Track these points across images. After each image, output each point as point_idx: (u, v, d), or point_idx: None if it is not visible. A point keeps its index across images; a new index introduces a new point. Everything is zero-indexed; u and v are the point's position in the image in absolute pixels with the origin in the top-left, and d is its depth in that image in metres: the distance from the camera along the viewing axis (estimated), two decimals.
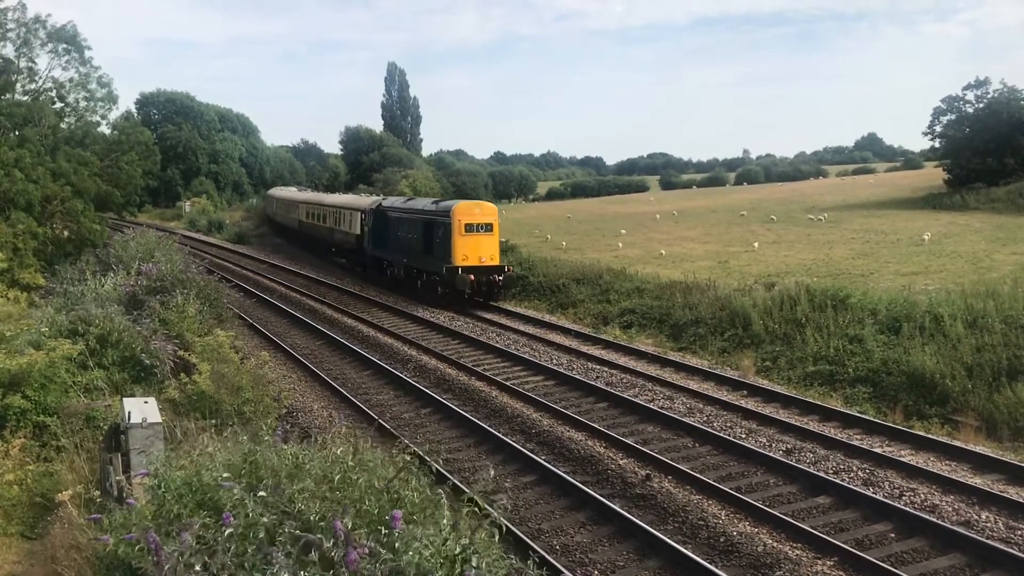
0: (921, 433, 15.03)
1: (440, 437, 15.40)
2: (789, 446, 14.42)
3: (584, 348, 22.95)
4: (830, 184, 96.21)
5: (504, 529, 5.63)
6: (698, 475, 12.95)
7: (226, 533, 5.05)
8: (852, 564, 10.08)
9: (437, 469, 10.63)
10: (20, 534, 10.25)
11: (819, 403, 17.10)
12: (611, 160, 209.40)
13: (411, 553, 4.82)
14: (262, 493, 5.59)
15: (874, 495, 12.11)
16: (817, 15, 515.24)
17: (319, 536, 4.93)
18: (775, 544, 10.69)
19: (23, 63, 40.51)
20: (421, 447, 6.62)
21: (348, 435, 7.44)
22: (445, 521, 5.35)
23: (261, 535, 5.16)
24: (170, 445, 8.19)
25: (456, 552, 5.02)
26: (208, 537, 5.11)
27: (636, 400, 17.22)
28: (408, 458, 6.61)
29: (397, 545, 4.88)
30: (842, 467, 13.38)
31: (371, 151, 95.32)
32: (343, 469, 6.20)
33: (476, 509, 5.47)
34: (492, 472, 7.41)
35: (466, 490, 7.21)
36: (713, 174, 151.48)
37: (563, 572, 9.60)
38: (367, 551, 4.73)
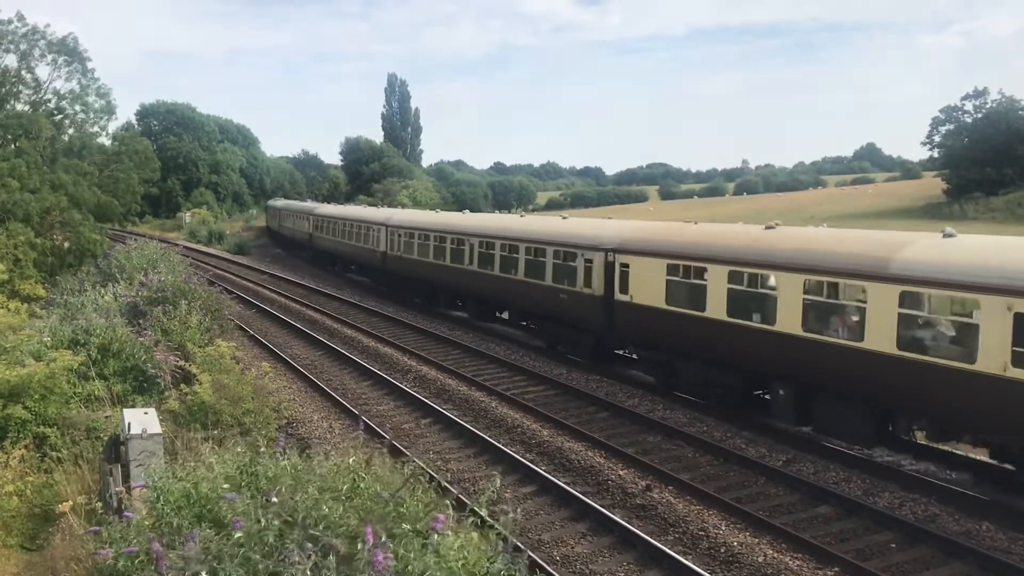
0: (922, 442, 14.99)
1: None
2: (789, 457, 14.39)
3: None
4: (829, 194, 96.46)
5: None
6: (699, 486, 12.96)
7: (235, 536, 5.04)
8: (853, 574, 10.06)
9: None
10: (20, 546, 10.23)
11: None
12: (610, 170, 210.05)
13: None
14: (274, 499, 5.57)
15: (874, 505, 12.10)
16: (813, 26, 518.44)
17: (335, 540, 4.95)
18: (776, 555, 10.67)
19: (24, 74, 40.68)
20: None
21: (360, 447, 7.38)
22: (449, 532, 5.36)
23: (271, 540, 5.16)
24: (171, 455, 8.18)
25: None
26: (210, 549, 5.10)
27: (636, 411, 17.21)
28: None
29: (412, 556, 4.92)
30: (842, 477, 13.37)
31: (371, 162, 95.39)
32: (353, 479, 6.18)
33: None
34: None
35: None
36: (712, 184, 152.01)
37: None
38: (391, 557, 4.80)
